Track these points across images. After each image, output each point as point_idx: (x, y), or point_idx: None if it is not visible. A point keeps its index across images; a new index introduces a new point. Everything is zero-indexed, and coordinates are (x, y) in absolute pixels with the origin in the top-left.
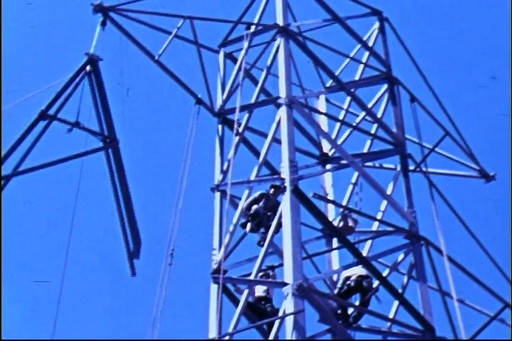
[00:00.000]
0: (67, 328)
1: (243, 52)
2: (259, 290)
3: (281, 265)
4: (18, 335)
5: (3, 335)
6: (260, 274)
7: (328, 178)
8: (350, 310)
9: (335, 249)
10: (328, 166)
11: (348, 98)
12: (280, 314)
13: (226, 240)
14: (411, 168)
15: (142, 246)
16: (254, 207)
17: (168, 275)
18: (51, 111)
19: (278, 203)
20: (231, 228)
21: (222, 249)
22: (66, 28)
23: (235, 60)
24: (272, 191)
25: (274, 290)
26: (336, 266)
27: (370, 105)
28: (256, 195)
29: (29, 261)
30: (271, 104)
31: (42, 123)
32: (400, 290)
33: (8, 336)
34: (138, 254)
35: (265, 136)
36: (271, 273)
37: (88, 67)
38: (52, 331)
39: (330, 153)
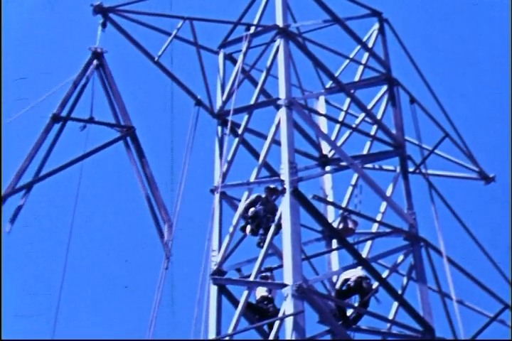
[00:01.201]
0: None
1: (242, 53)
2: (262, 290)
3: (280, 266)
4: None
5: (3, 335)
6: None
7: (327, 180)
8: (348, 312)
9: (334, 250)
10: (328, 168)
11: (348, 99)
12: (280, 315)
13: (226, 241)
14: (411, 169)
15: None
16: (252, 209)
17: (164, 279)
18: (64, 112)
19: (275, 205)
20: (231, 229)
21: (222, 250)
22: (66, 30)
23: (234, 61)
24: (267, 193)
25: (276, 291)
26: (335, 267)
27: (369, 106)
28: (252, 197)
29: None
30: (270, 106)
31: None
32: (399, 292)
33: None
34: (170, 235)
35: (265, 137)
36: (269, 274)
37: (95, 61)
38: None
39: (329, 155)
